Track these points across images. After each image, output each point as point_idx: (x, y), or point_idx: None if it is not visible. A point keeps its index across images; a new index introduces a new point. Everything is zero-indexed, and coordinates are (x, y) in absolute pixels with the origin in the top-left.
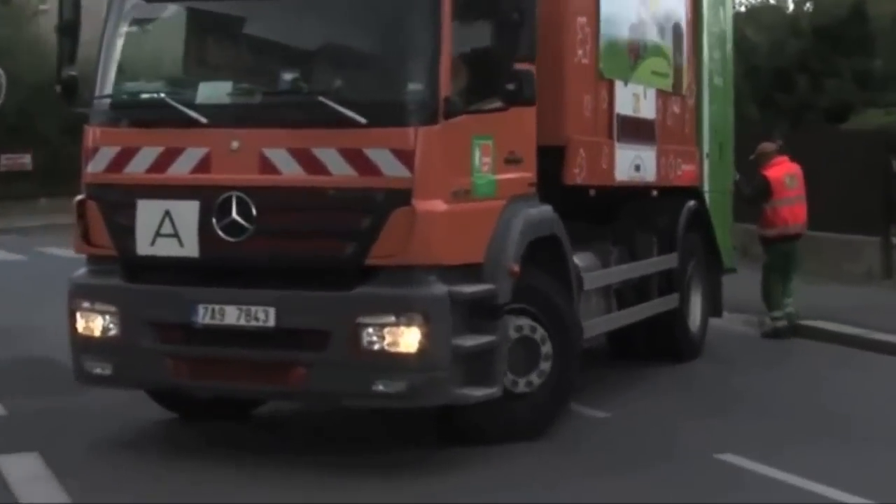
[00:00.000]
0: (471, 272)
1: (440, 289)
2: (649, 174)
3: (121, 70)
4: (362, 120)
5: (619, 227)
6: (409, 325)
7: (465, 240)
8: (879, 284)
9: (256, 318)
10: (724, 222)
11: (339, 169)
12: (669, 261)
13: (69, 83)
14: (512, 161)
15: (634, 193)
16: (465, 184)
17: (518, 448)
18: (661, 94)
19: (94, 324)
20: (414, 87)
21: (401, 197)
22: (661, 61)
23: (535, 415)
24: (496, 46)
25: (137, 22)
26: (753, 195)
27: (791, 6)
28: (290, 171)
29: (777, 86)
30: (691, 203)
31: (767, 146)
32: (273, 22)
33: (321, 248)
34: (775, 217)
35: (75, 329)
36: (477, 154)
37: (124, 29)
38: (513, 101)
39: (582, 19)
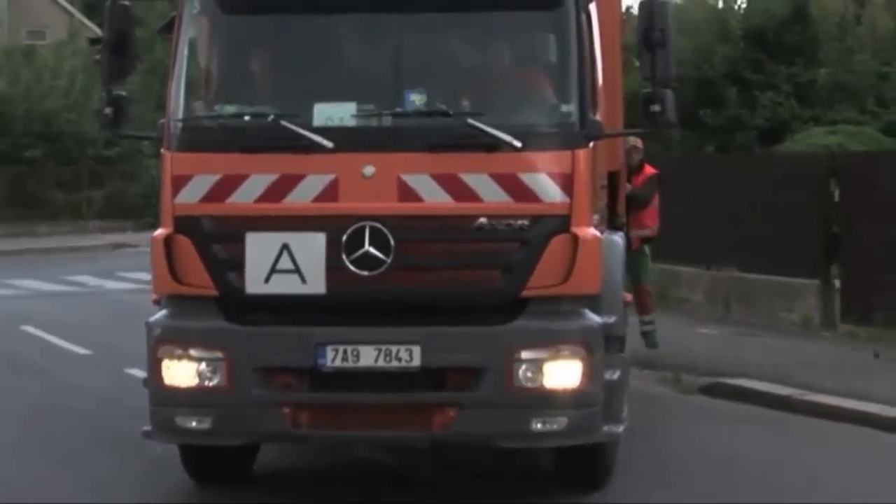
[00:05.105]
0: (592, 304)
1: (594, 320)
2: None
3: (212, 87)
4: (518, 143)
5: None
6: (571, 358)
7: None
8: (819, 335)
9: (398, 359)
10: None
11: (491, 195)
12: None
13: (120, 105)
14: (602, 187)
15: None
16: (596, 209)
17: None
18: None
19: (188, 373)
20: (567, 108)
21: (559, 223)
22: None
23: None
24: (642, 68)
25: (220, 30)
26: (649, 194)
27: (720, 2)
28: (434, 198)
29: (702, 100)
30: None
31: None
32: (397, 37)
33: (471, 279)
34: (655, 214)
35: (161, 380)
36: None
37: (208, 40)
38: (656, 124)
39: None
